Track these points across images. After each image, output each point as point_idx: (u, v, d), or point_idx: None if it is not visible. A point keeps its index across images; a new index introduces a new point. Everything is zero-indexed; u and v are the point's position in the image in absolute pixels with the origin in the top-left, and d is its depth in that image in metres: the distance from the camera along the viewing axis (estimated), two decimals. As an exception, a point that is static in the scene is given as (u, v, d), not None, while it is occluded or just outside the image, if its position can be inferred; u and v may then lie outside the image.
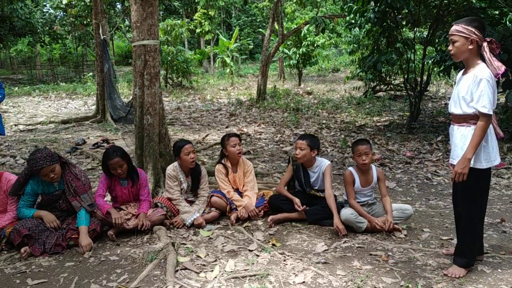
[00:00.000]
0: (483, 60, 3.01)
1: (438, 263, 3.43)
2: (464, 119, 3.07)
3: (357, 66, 15.85)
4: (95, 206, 4.05)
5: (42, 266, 3.54)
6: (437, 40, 9.32)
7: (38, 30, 30.75)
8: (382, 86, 15.93)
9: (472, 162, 3.00)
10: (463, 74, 3.13)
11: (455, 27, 3.03)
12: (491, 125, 3.03)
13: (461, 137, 3.09)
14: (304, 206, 4.34)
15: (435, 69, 10.76)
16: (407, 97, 10.76)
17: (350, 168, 4.23)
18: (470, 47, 2.98)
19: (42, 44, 35.27)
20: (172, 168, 4.58)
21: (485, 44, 2.97)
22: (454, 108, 3.14)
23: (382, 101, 14.29)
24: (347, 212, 4.05)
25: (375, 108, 13.10)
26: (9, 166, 6.81)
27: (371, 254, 3.61)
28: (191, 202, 4.58)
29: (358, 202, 4.17)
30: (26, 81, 28.19)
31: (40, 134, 9.91)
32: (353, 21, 9.59)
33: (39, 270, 3.47)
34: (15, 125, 11.19)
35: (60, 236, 3.83)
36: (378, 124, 10.51)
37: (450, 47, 3.10)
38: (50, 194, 3.96)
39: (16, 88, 21.54)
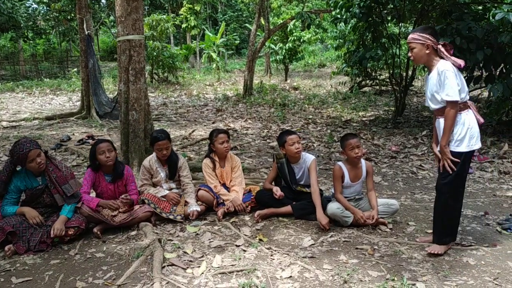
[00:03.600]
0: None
1: (423, 256, 3.46)
2: (442, 111, 3.33)
3: (343, 61, 15.93)
4: (78, 197, 4.00)
5: (26, 264, 3.50)
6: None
7: (21, 25, 30.28)
8: (367, 81, 16.02)
9: (455, 145, 3.30)
10: (429, 74, 3.44)
11: (411, 36, 3.36)
12: (472, 112, 3.34)
13: None
14: (281, 193, 4.38)
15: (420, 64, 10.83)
16: (393, 92, 10.85)
17: (340, 163, 4.25)
18: (427, 51, 3.31)
19: (26, 39, 34.71)
20: (148, 159, 4.62)
21: (440, 46, 3.30)
22: (431, 104, 3.45)
23: (368, 96, 14.39)
24: (333, 207, 4.07)
25: (361, 103, 13.18)
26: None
27: (357, 248, 3.64)
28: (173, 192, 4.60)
29: (345, 197, 4.19)
30: (9, 77, 27.71)
31: (24, 130, 9.77)
32: (339, 16, 9.62)
33: (24, 268, 3.43)
34: (-2, 121, 11.01)
35: (44, 233, 3.77)
36: (364, 119, 10.58)
37: (409, 54, 3.44)
38: (33, 188, 3.90)
39: (-1, 84, 21.19)
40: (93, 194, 4.39)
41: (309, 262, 3.39)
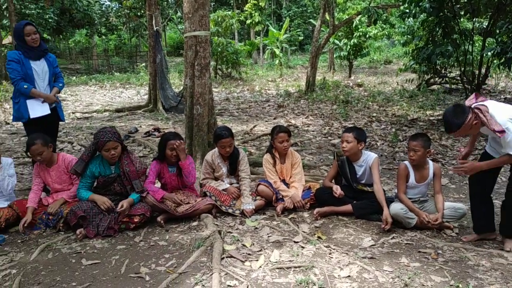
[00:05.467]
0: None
1: (492, 263, 3.29)
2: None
3: (411, 58, 15.34)
4: (144, 192, 4.21)
5: (95, 248, 3.71)
6: (498, 31, 8.86)
7: (96, 22, 31.94)
8: (436, 79, 15.35)
9: None
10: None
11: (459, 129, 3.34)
12: None
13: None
14: (341, 192, 4.30)
15: (494, 61, 10.24)
16: (463, 91, 10.33)
17: (405, 162, 4.12)
18: (475, 122, 3.30)
19: (99, 35, 36.58)
20: (211, 154, 4.73)
21: (477, 112, 3.29)
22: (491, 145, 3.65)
23: (436, 95, 13.79)
24: (396, 207, 3.95)
25: (428, 101, 12.66)
26: (66, 152, 7.14)
27: (420, 252, 3.52)
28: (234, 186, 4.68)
29: (409, 198, 4.06)
30: (83, 71, 29.42)
31: (96, 122, 10.32)
32: (407, 10, 9.29)
33: (93, 252, 3.64)
34: (73, 112, 11.73)
35: (112, 220, 4.00)
36: (431, 118, 10.16)
37: (470, 138, 3.90)
38: (106, 176, 4.15)
39: (74, 78, 22.55)
40: (157, 185, 4.56)
41: (368, 262, 3.32)
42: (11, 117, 5.64)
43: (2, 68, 21.73)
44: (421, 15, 9.64)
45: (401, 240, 3.76)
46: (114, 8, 37.86)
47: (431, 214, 3.93)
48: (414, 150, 3.96)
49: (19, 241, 3.93)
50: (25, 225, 4.01)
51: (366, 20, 20.74)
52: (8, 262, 3.46)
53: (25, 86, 4.62)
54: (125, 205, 3.98)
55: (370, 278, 3.08)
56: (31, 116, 4.69)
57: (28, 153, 4.22)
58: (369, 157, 4.36)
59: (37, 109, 4.73)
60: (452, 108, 3.40)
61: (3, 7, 23.42)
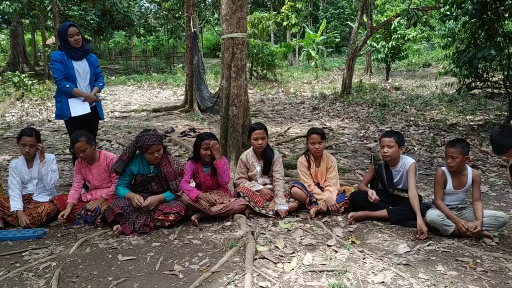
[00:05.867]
0: None
1: (534, 276, 3.16)
2: None
3: (451, 61, 14.93)
4: (179, 192, 4.30)
5: (131, 244, 3.79)
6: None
7: (135, 23, 32.71)
8: (478, 83, 14.87)
9: None
10: None
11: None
12: None
13: None
14: (376, 197, 4.24)
15: (540, 65, 9.83)
16: (506, 96, 9.97)
17: (443, 168, 4.02)
18: None
19: (138, 36, 37.44)
20: (245, 154, 4.76)
21: None
22: None
23: (477, 99, 13.36)
24: (433, 214, 3.86)
25: (469, 106, 12.29)
26: (104, 150, 7.33)
27: (457, 260, 3.42)
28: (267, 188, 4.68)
29: (447, 205, 3.95)
30: (122, 71, 30.16)
31: (133, 121, 10.56)
32: (448, 13, 9.05)
33: (129, 248, 3.73)
34: (111, 111, 12.05)
35: (148, 217, 4.09)
36: (471, 123, 9.86)
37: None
38: (144, 175, 4.24)
39: (113, 78, 23.16)
40: (192, 184, 4.62)
41: (403, 269, 3.26)
42: (54, 115, 5.84)
43: (46, 67, 22.57)
44: (463, 17, 9.37)
45: (438, 247, 3.66)
46: (153, 10, 38.71)
47: (470, 222, 3.82)
48: (452, 157, 3.86)
49: (59, 235, 4.07)
50: (63, 217, 4.16)
51: (405, 23, 20.35)
52: (49, 255, 3.59)
53: (67, 86, 4.78)
54: (150, 201, 4.08)
55: (404, 285, 3.02)
56: (72, 115, 4.84)
57: (72, 150, 4.36)
58: (407, 161, 4.28)
59: (78, 108, 4.88)
60: (499, 129, 3.32)
61: (48, 9, 24.32)
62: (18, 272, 3.29)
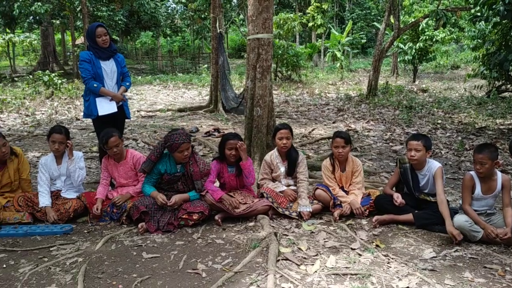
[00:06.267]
0: None
1: None
2: None
3: (481, 63, 14.60)
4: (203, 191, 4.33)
5: (155, 242, 3.84)
6: None
7: (161, 23, 33.10)
8: (508, 86, 14.49)
9: None
10: None
11: None
12: None
13: None
14: (401, 200, 4.18)
15: None
16: (539, 99, 9.67)
17: (471, 172, 3.93)
18: None
19: (164, 36, 37.89)
20: (270, 154, 4.76)
21: None
22: None
23: (508, 102, 13.02)
24: (461, 219, 3.77)
25: (499, 109, 11.98)
26: (130, 148, 7.44)
27: (485, 267, 3.34)
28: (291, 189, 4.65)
29: (475, 210, 3.85)
30: (148, 71, 30.59)
31: (159, 120, 10.68)
32: (479, 14, 8.85)
33: (153, 246, 3.77)
34: (138, 111, 12.23)
35: (172, 216, 4.13)
36: (501, 127, 9.61)
37: None
38: (171, 174, 4.29)
39: (139, 77, 23.50)
40: (216, 184, 4.64)
41: (429, 274, 3.20)
42: (81, 114, 5.97)
43: (75, 67, 23.08)
44: (494, 18, 9.15)
45: (465, 253, 3.58)
46: (179, 11, 39.12)
47: (499, 228, 3.72)
48: (481, 163, 3.76)
49: (85, 231, 4.15)
50: (98, 210, 4.25)
51: (434, 24, 20.00)
52: (75, 251, 3.66)
53: (95, 85, 4.87)
54: (174, 200, 4.13)
55: (430, 291, 2.96)
56: (99, 114, 4.93)
57: (105, 146, 4.41)
58: (433, 165, 4.20)
59: (105, 107, 4.97)
60: None
61: (78, 10, 24.87)
62: (46, 266, 3.38)
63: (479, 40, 14.45)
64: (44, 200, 4.36)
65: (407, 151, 4.25)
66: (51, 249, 3.72)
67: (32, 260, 3.51)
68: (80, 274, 3.20)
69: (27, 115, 11.27)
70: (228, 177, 4.55)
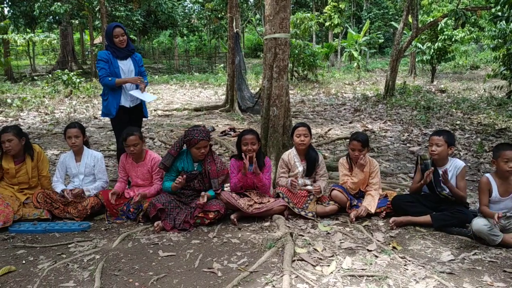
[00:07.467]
0: None
1: None
2: None
3: (501, 63, 14.36)
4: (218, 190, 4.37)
5: (171, 241, 3.86)
6: None
7: (178, 23, 33.27)
8: (529, 87, 14.22)
9: None
10: None
11: None
12: None
13: None
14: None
15: None
16: (561, 100, 9.46)
17: (488, 175, 3.86)
18: None
19: (181, 35, 38.08)
20: (287, 153, 4.74)
21: None
22: None
23: (529, 103, 12.78)
24: (479, 223, 3.70)
25: (519, 110, 11.76)
26: (147, 147, 7.50)
27: (505, 271, 3.27)
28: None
29: (494, 213, 3.78)
30: (165, 70, 30.78)
31: (175, 119, 10.74)
32: (499, 13, 8.69)
33: (169, 244, 3.79)
34: (154, 110, 12.31)
35: (188, 214, 4.15)
36: (522, 128, 9.43)
37: None
38: (189, 172, 4.30)
39: (156, 77, 23.67)
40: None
41: (447, 278, 3.15)
42: (99, 112, 6.03)
43: (93, 66, 23.35)
44: (515, 18, 8.99)
45: (484, 257, 3.52)
46: (196, 10, 39.27)
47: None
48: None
49: (102, 229, 4.19)
50: (115, 195, 4.32)
51: (453, 23, 19.71)
52: (93, 248, 3.71)
53: (109, 79, 4.88)
54: (204, 199, 4.13)
55: (448, 294, 2.92)
56: (147, 101, 5.17)
57: (124, 142, 4.43)
58: (457, 164, 4.14)
59: (146, 96, 5.09)
60: None
61: (96, 10, 25.17)
62: (64, 263, 3.42)
63: (499, 40, 14.20)
64: (59, 186, 4.53)
65: (429, 146, 4.21)
66: (69, 246, 3.78)
67: (50, 257, 3.56)
68: (97, 271, 3.23)
69: (46, 114, 11.45)
70: (244, 177, 4.54)
